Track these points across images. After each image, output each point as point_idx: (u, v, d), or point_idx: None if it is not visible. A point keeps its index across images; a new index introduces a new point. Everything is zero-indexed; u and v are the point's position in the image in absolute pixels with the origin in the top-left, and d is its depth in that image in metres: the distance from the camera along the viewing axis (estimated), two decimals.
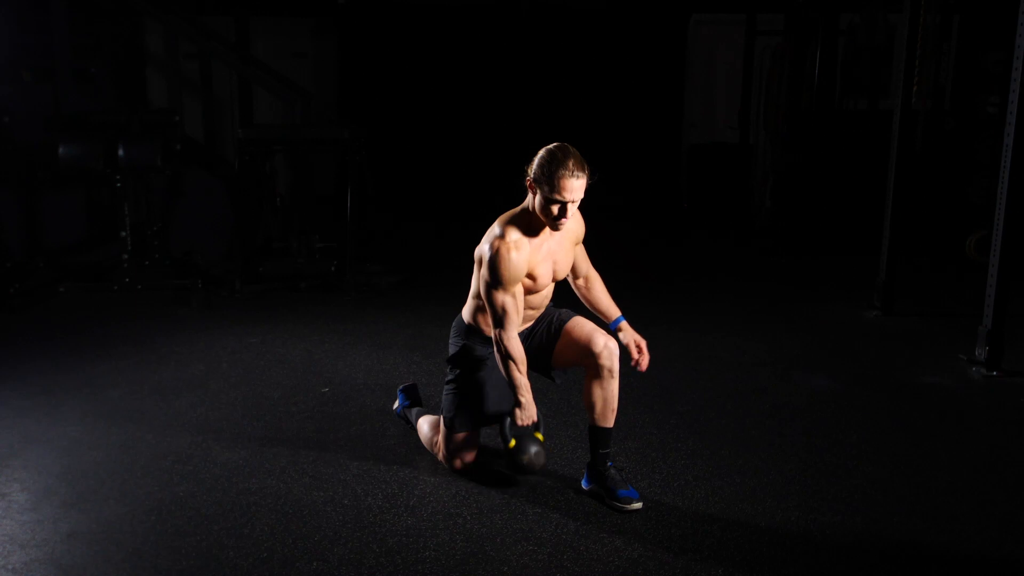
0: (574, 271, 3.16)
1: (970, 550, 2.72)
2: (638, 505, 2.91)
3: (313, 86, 8.78)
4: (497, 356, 2.95)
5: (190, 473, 3.18)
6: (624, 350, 3.03)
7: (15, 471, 3.18)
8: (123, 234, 6.13)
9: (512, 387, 2.94)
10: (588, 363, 2.97)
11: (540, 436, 3.02)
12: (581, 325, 3.03)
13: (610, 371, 2.94)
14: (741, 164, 8.81)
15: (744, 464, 3.30)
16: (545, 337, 3.08)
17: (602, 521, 2.86)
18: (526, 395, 2.94)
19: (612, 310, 3.18)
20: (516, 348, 2.92)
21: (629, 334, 3.10)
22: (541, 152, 2.84)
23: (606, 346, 2.93)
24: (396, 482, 3.12)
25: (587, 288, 3.21)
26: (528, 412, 2.94)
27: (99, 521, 2.83)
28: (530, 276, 2.93)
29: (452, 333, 3.20)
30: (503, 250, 2.85)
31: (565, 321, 3.06)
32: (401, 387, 3.64)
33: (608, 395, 2.97)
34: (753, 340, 4.98)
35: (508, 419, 2.99)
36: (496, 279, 2.85)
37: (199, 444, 3.44)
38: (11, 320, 5.34)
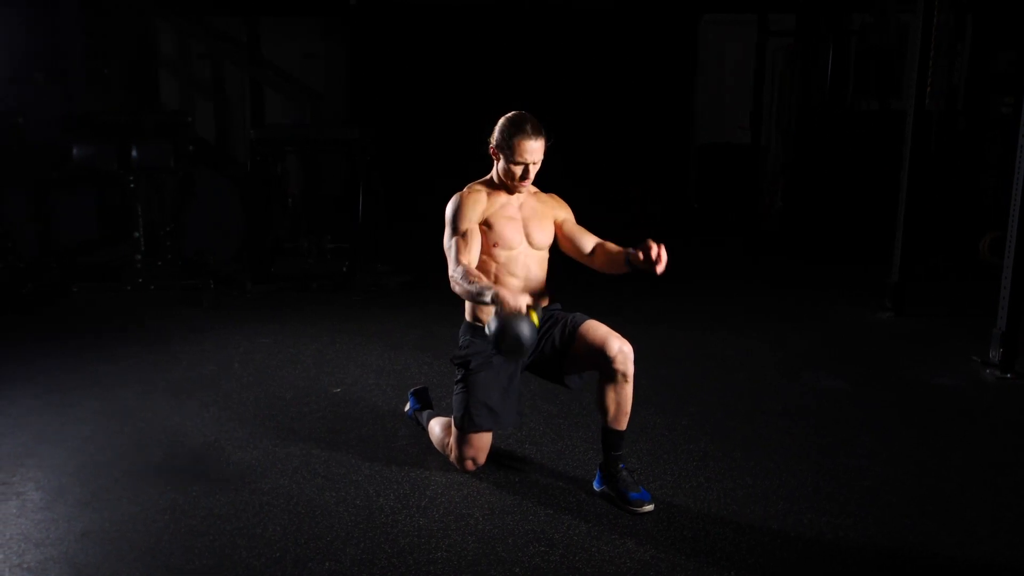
0: (583, 247, 3.12)
1: (981, 552, 2.71)
2: (650, 507, 2.91)
3: (323, 87, 8.81)
4: (457, 289, 2.92)
5: (203, 473, 3.19)
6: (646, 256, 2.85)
7: (29, 470, 3.20)
8: (136, 234, 6.16)
9: (481, 291, 2.80)
10: (602, 367, 2.95)
11: (535, 317, 2.76)
12: (595, 328, 3.01)
13: (624, 375, 2.93)
14: (752, 164, 8.79)
15: (755, 466, 3.29)
16: (559, 340, 3.06)
17: (614, 523, 2.85)
18: (496, 289, 2.76)
19: (621, 251, 3.01)
20: (469, 268, 2.91)
21: (645, 244, 2.87)
22: (501, 120, 3.04)
23: (620, 350, 2.92)
24: (408, 483, 3.12)
25: (602, 249, 3.09)
26: (509, 298, 2.71)
27: (112, 520, 2.84)
28: (487, 224, 3.04)
29: (460, 331, 3.21)
30: (457, 195, 3.08)
31: (579, 324, 3.04)
32: (412, 390, 3.64)
33: (622, 399, 2.96)
34: (764, 341, 4.97)
35: (492, 318, 2.74)
36: (450, 220, 3.03)
37: (212, 444, 3.45)
38: (24, 320, 5.38)
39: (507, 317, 2.68)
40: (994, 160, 6.87)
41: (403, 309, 5.64)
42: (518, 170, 3.00)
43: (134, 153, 6.01)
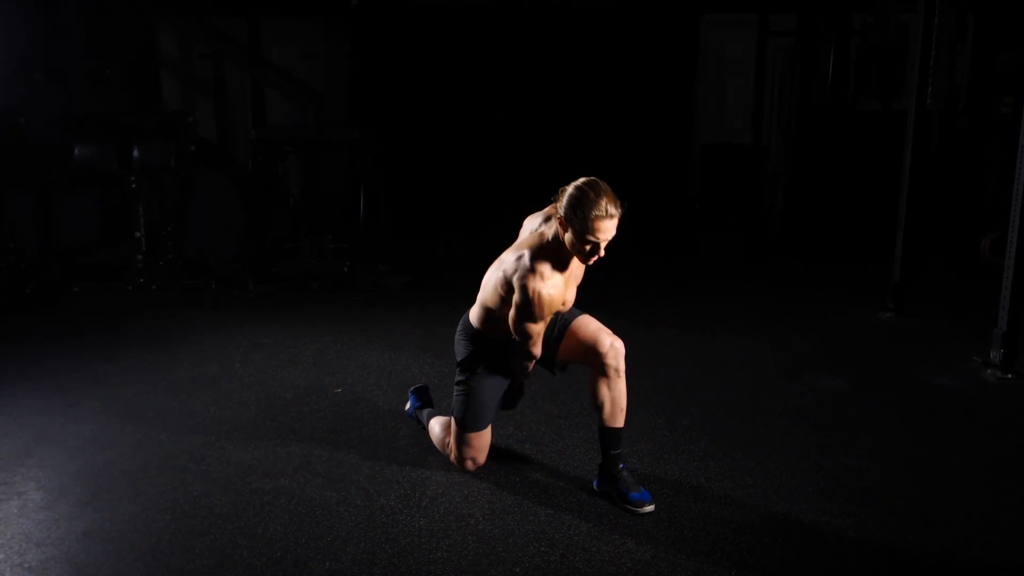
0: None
1: (982, 553, 2.71)
2: (650, 507, 2.91)
3: (324, 87, 8.81)
4: (518, 356, 3.06)
5: (204, 473, 3.19)
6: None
7: (30, 470, 3.20)
8: (137, 234, 6.17)
9: (520, 371, 3.14)
10: (594, 362, 2.96)
11: None
12: (587, 324, 3.03)
13: (616, 370, 2.95)
14: (753, 165, 8.78)
15: (756, 466, 3.29)
16: (550, 335, 3.08)
17: (614, 523, 2.86)
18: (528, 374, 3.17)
19: None
20: (538, 352, 3.05)
21: None
22: (571, 190, 2.79)
23: (612, 345, 2.94)
24: (409, 483, 3.13)
25: (581, 351, 3.20)
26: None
27: (114, 520, 2.84)
28: (561, 305, 2.99)
29: (459, 334, 3.20)
30: (540, 290, 2.83)
31: (570, 320, 3.06)
32: (412, 389, 3.65)
33: (616, 395, 2.97)
34: (764, 341, 4.97)
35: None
36: (531, 315, 2.87)
37: (213, 444, 3.45)
38: (26, 320, 5.38)
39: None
40: (995, 160, 6.87)
41: (404, 309, 5.64)
42: (589, 249, 2.80)
43: (135, 153, 6.02)
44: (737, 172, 8.96)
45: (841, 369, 4.48)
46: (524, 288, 2.85)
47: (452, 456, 3.22)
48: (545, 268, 2.86)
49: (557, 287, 2.88)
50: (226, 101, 8.68)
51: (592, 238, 2.76)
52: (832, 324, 5.41)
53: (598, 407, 2.99)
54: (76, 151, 5.97)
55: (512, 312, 2.92)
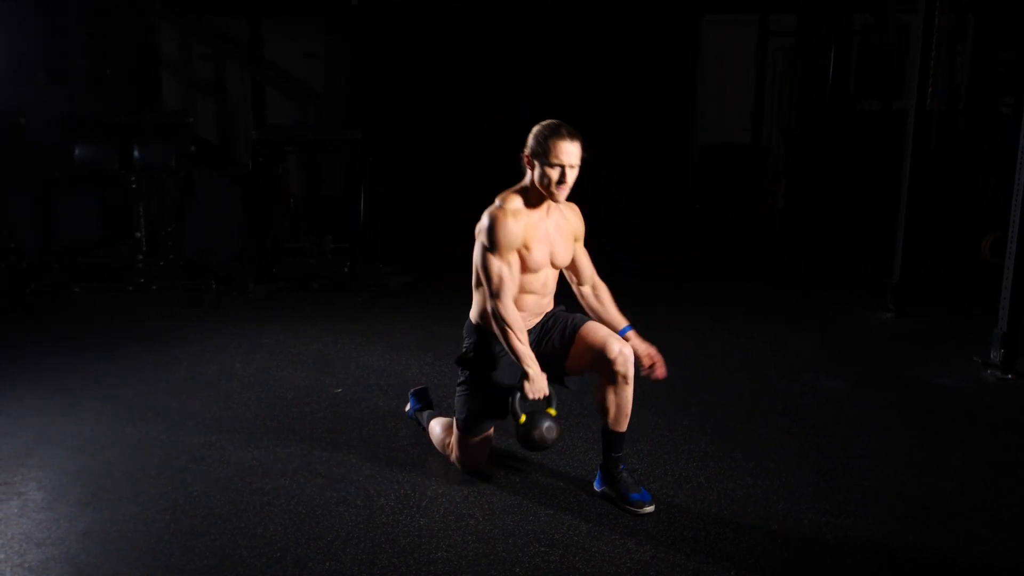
0: (578, 275, 3.15)
1: (982, 553, 2.71)
2: (650, 508, 2.91)
3: (325, 87, 8.81)
4: (495, 329, 2.94)
5: (204, 473, 3.20)
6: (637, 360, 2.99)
7: (31, 470, 3.21)
8: (137, 235, 6.17)
9: (517, 359, 2.92)
10: (602, 369, 2.94)
11: (553, 411, 2.92)
12: (595, 330, 2.99)
13: (624, 377, 2.91)
14: (753, 165, 8.78)
15: (756, 466, 3.29)
16: (558, 342, 3.05)
17: (614, 523, 2.86)
18: (533, 366, 2.90)
19: (619, 320, 3.12)
20: (513, 316, 2.92)
21: (638, 344, 3.04)
22: (535, 128, 2.95)
23: (621, 352, 2.90)
24: (408, 483, 3.13)
25: (595, 297, 3.17)
26: (537, 384, 2.89)
27: (114, 520, 2.84)
28: (526, 247, 2.94)
29: (464, 333, 3.21)
30: (500, 216, 2.91)
31: (579, 326, 3.02)
32: (412, 390, 3.65)
33: (622, 401, 2.95)
34: (764, 341, 4.97)
35: (517, 394, 2.90)
36: (492, 243, 2.90)
37: (213, 444, 3.45)
38: (26, 320, 5.38)
39: (531, 420, 2.86)
40: (995, 160, 6.87)
41: (404, 309, 5.64)
42: (555, 173, 2.86)
43: (136, 153, 6.02)
44: (737, 172, 8.96)
45: (841, 369, 4.48)
46: (485, 217, 2.93)
47: (453, 456, 3.22)
48: (509, 202, 2.94)
49: (522, 219, 2.92)
50: (226, 101, 8.68)
51: (556, 160, 2.86)
52: (832, 324, 5.41)
53: (603, 412, 2.98)
54: (76, 151, 5.97)
55: (478, 257, 2.93)
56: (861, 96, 7.74)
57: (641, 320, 5.11)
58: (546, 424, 2.87)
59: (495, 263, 2.90)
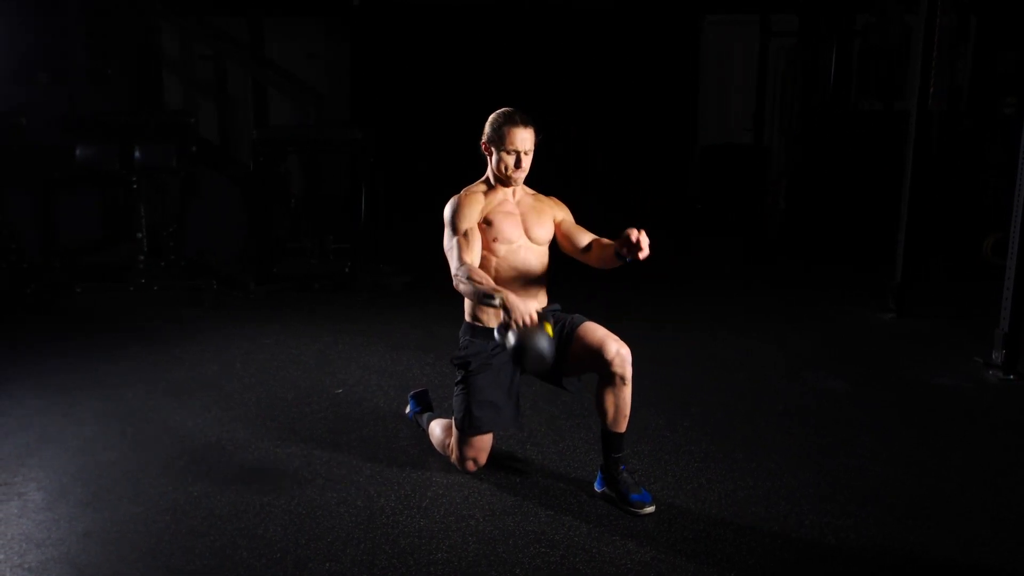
0: (577, 244, 3.14)
1: (982, 554, 2.71)
2: (651, 509, 2.91)
3: (326, 87, 8.80)
4: (461, 288, 2.94)
5: (204, 473, 3.19)
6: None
7: (31, 470, 3.21)
8: (139, 235, 6.17)
9: (486, 294, 2.79)
10: (600, 370, 2.94)
11: (549, 330, 2.78)
12: (593, 331, 3.00)
13: (622, 378, 2.92)
14: (755, 165, 8.78)
15: (757, 467, 3.29)
16: (556, 342, 3.05)
17: (615, 524, 2.85)
18: (504, 294, 2.76)
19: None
20: (472, 267, 2.92)
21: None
22: (490, 116, 3.09)
23: (619, 352, 2.90)
24: (409, 484, 3.12)
25: (597, 245, 3.09)
26: (519, 307, 2.71)
27: (114, 520, 2.84)
28: (487, 221, 3.05)
29: (460, 335, 3.21)
30: (457, 197, 3.09)
31: (576, 326, 3.03)
32: (412, 393, 3.65)
33: (620, 402, 2.95)
34: (765, 341, 4.96)
35: (501, 327, 2.77)
36: (450, 222, 3.04)
37: (213, 444, 3.45)
38: (28, 320, 5.39)
39: (524, 335, 2.68)
40: (996, 160, 6.87)
41: (405, 309, 5.64)
42: (511, 159, 3.03)
43: (137, 154, 6.03)
44: (738, 172, 8.97)
45: (842, 369, 4.47)
46: (447, 205, 3.07)
47: (453, 457, 3.22)
48: (471, 187, 3.13)
49: (478, 199, 3.06)
50: (228, 101, 8.68)
51: (511, 148, 3.01)
52: (833, 324, 5.41)
53: (602, 412, 2.98)
54: (77, 151, 5.98)
55: (444, 242, 3.04)
56: (862, 96, 7.74)
57: (642, 320, 5.12)
58: (541, 338, 2.70)
59: (452, 240, 3.02)
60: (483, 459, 3.19)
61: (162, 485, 3.10)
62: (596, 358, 2.93)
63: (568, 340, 3.03)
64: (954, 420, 3.83)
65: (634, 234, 2.82)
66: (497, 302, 2.75)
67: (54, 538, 2.73)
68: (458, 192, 3.13)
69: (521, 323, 2.70)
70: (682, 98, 9.63)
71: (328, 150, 6.74)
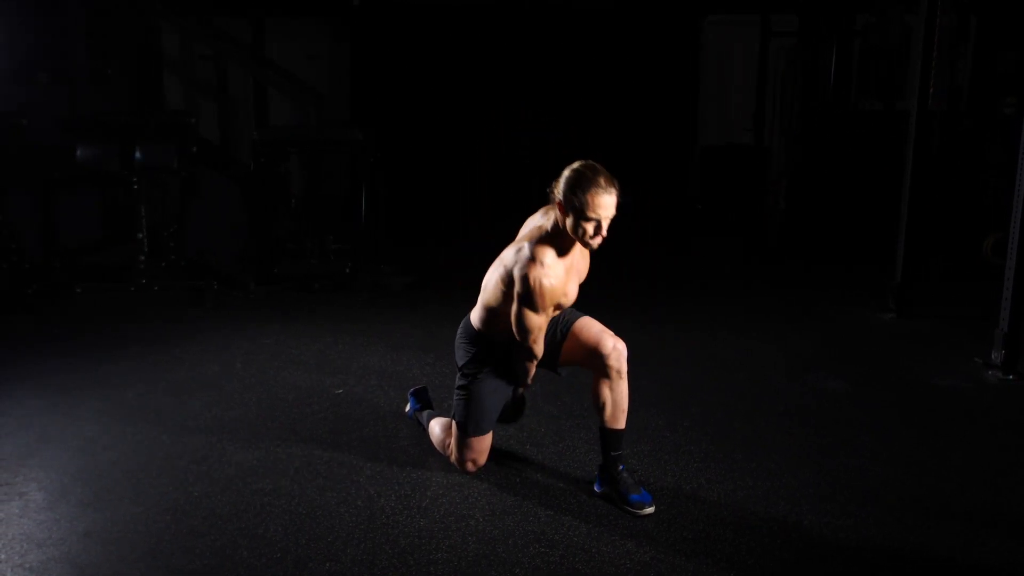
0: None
1: (982, 554, 2.71)
2: (650, 509, 2.91)
3: (326, 88, 8.81)
4: (520, 355, 3.03)
5: (205, 473, 3.20)
6: None
7: (32, 470, 3.21)
8: (139, 235, 6.17)
9: (523, 374, 3.10)
10: (596, 364, 2.96)
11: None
12: (589, 326, 3.03)
13: (619, 372, 2.95)
14: (755, 166, 8.78)
15: (757, 467, 3.29)
16: (552, 337, 3.08)
17: (614, 524, 2.86)
18: (530, 381, 3.17)
19: None
20: (540, 351, 3.03)
21: None
22: (567, 172, 2.82)
23: (615, 347, 2.94)
24: (409, 484, 3.13)
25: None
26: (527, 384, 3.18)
27: (115, 520, 2.85)
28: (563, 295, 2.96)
29: (460, 337, 3.20)
30: (542, 279, 2.82)
31: (572, 322, 3.06)
32: (411, 391, 3.65)
33: (617, 396, 2.97)
34: (766, 342, 4.97)
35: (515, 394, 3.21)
36: (534, 305, 2.85)
37: (214, 444, 3.46)
38: (28, 320, 5.39)
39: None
40: (996, 161, 6.86)
41: (405, 310, 5.65)
42: (591, 227, 2.77)
43: (137, 154, 6.02)
44: (739, 173, 8.96)
45: (842, 369, 4.47)
46: (525, 278, 2.82)
47: (453, 457, 3.22)
48: (546, 256, 2.84)
49: (559, 276, 2.87)
50: (228, 102, 8.68)
51: (592, 215, 2.76)
52: (833, 324, 5.41)
53: (599, 408, 2.99)
54: (78, 152, 5.98)
55: (514, 306, 2.90)
56: (862, 96, 7.74)
57: (642, 320, 5.12)
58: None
59: (535, 320, 2.89)
60: (483, 460, 3.19)
61: (162, 485, 3.10)
62: (592, 353, 2.96)
63: (564, 336, 3.06)
64: (954, 420, 3.83)
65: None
66: (525, 381, 3.16)
67: (55, 538, 2.74)
68: (530, 251, 2.86)
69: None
70: (682, 98, 9.62)
71: (328, 150, 6.75)
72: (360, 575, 2.55)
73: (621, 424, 3.00)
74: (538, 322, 2.91)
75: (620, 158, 9.39)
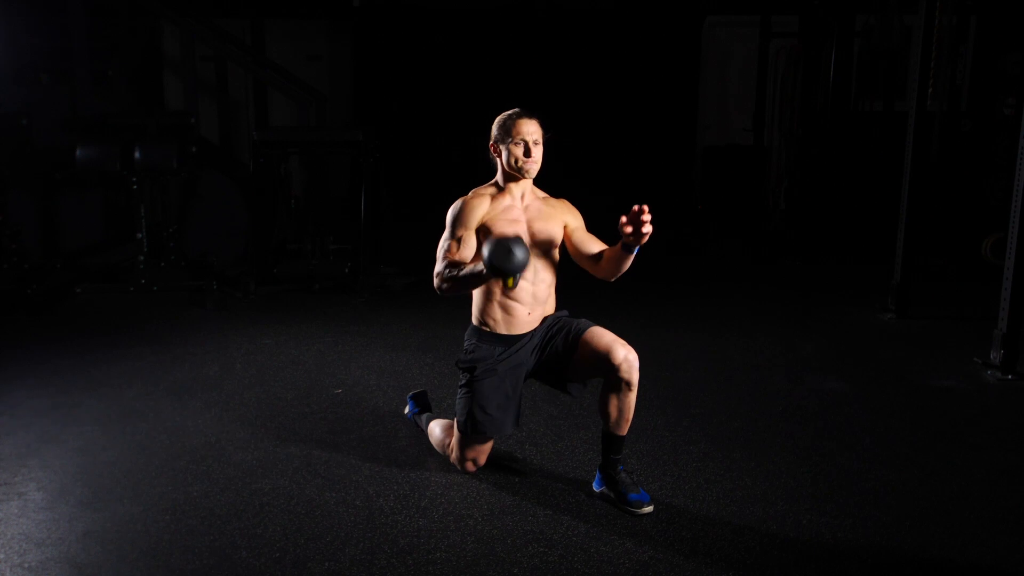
0: (587, 252, 3.08)
1: (982, 555, 2.71)
2: (649, 508, 2.91)
3: (328, 88, 8.83)
4: (444, 288, 2.92)
5: (204, 473, 3.20)
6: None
7: (32, 470, 3.21)
8: (139, 235, 6.18)
9: (470, 273, 2.84)
10: (607, 375, 2.92)
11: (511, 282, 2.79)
12: (600, 336, 2.97)
13: (629, 384, 2.91)
14: (755, 166, 8.78)
15: (756, 467, 3.29)
16: (562, 346, 3.04)
17: (613, 523, 2.86)
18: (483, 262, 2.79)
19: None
20: (451, 261, 2.93)
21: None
22: (495, 120, 3.06)
23: (626, 358, 2.89)
24: (408, 483, 3.13)
25: (608, 252, 3.05)
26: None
27: (114, 520, 2.85)
28: (487, 229, 2.97)
29: (465, 338, 3.21)
30: (459, 200, 3.04)
31: (583, 331, 3.01)
32: (410, 394, 3.66)
33: (625, 407, 2.95)
34: (766, 342, 4.97)
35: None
36: (449, 224, 3.01)
37: (213, 444, 3.46)
38: (29, 321, 5.40)
39: (499, 239, 2.74)
40: (998, 161, 6.86)
41: (406, 311, 5.65)
42: (519, 150, 2.96)
43: (137, 154, 6.04)
44: (740, 173, 8.97)
45: (842, 370, 4.47)
46: (451, 207, 3.01)
47: (453, 457, 3.22)
48: (478, 190, 3.07)
49: (482, 203, 3.00)
50: (229, 102, 8.71)
51: (519, 138, 2.96)
52: (833, 325, 5.41)
53: (605, 416, 2.98)
54: (79, 152, 5.99)
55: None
56: (863, 97, 7.74)
57: (642, 320, 5.12)
58: (515, 243, 2.72)
59: (445, 243, 3.00)
60: (483, 460, 3.19)
61: (162, 485, 3.11)
62: (603, 363, 2.91)
63: (574, 345, 3.00)
64: (954, 421, 3.83)
65: (635, 208, 2.82)
66: (480, 268, 2.78)
67: (54, 538, 2.74)
68: (465, 194, 3.09)
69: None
70: (683, 99, 9.64)
71: (329, 151, 6.76)
72: (359, 575, 2.55)
73: (624, 431, 2.99)
74: (447, 244, 2.97)
75: (621, 159, 9.42)
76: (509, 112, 3.05)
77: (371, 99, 9.45)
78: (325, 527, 2.82)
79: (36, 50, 6.53)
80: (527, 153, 2.97)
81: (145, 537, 2.75)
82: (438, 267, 2.95)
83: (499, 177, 3.09)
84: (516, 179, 3.03)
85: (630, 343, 3.00)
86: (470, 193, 3.08)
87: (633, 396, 2.95)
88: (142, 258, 6.17)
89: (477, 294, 3.09)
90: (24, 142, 6.08)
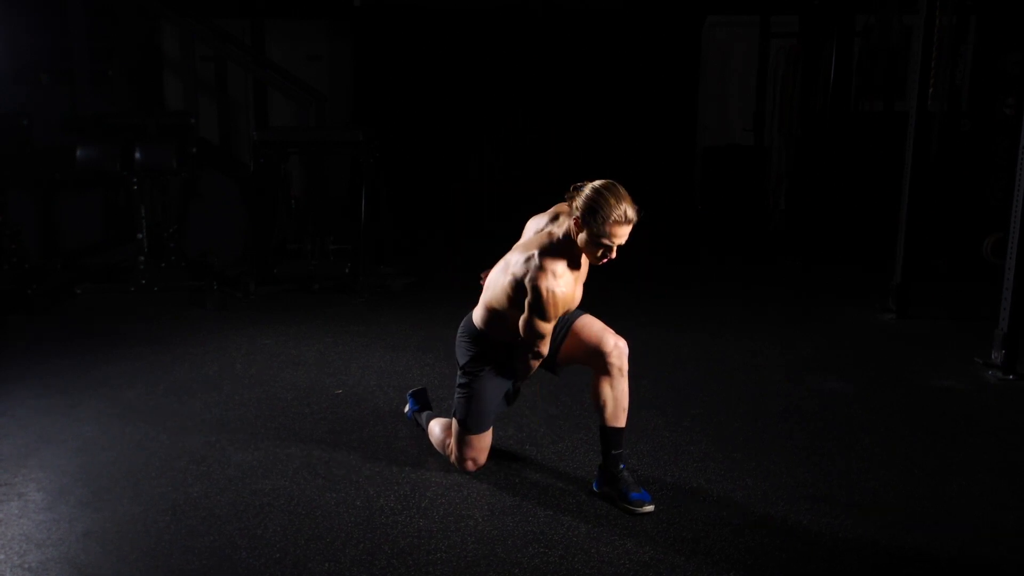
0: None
1: (982, 555, 2.71)
2: (650, 508, 2.91)
3: (328, 89, 8.82)
4: (524, 355, 3.03)
5: (204, 473, 3.20)
6: None
7: (32, 470, 3.21)
8: (139, 236, 6.18)
9: (524, 372, 3.11)
10: (597, 362, 2.97)
11: None
12: (590, 324, 3.04)
13: (620, 370, 2.95)
14: (755, 166, 8.77)
15: (756, 467, 3.29)
16: (555, 336, 3.08)
17: (613, 524, 2.86)
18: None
19: None
20: (546, 351, 3.05)
21: None
22: (590, 192, 2.79)
23: (616, 345, 2.95)
24: (408, 484, 3.13)
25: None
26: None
27: (114, 520, 2.85)
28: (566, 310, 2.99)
29: (461, 336, 3.20)
30: (554, 289, 2.84)
31: (573, 320, 3.06)
32: (411, 392, 3.65)
33: (618, 394, 2.97)
34: (766, 343, 4.96)
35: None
36: (545, 315, 2.87)
37: (213, 445, 3.46)
38: (28, 321, 5.40)
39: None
40: (998, 161, 6.86)
41: (406, 311, 5.65)
42: (604, 250, 2.83)
43: (137, 155, 6.03)
44: (740, 173, 8.95)
45: (842, 370, 4.47)
46: (537, 289, 2.84)
47: (452, 457, 3.22)
48: (556, 267, 2.87)
49: (568, 285, 2.90)
50: (229, 102, 8.70)
51: (607, 242, 2.79)
52: (834, 325, 5.40)
53: (600, 407, 2.99)
54: (79, 152, 5.98)
55: (524, 313, 2.91)
56: (863, 97, 7.73)
57: (642, 320, 5.13)
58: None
59: (544, 327, 2.92)
60: (483, 459, 3.19)
61: (162, 485, 3.10)
62: (593, 351, 2.97)
63: (564, 334, 3.06)
64: (954, 421, 3.83)
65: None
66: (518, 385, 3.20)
67: (54, 538, 2.74)
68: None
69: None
70: (683, 99, 9.63)
71: (329, 151, 6.75)
72: (359, 575, 2.55)
73: (621, 423, 3.00)
74: (548, 329, 2.94)
75: (621, 159, 9.42)
76: (611, 199, 2.75)
77: (371, 99, 9.44)
78: (325, 527, 2.81)
79: (36, 50, 6.52)
80: (608, 253, 2.84)
81: (145, 537, 2.75)
82: (534, 348, 2.98)
83: (570, 240, 2.88)
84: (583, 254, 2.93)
85: (630, 343, 3.02)
86: (549, 272, 2.85)
87: (625, 383, 2.97)
88: (142, 258, 6.16)
89: (495, 311, 3.04)
90: (24, 142, 6.07)
